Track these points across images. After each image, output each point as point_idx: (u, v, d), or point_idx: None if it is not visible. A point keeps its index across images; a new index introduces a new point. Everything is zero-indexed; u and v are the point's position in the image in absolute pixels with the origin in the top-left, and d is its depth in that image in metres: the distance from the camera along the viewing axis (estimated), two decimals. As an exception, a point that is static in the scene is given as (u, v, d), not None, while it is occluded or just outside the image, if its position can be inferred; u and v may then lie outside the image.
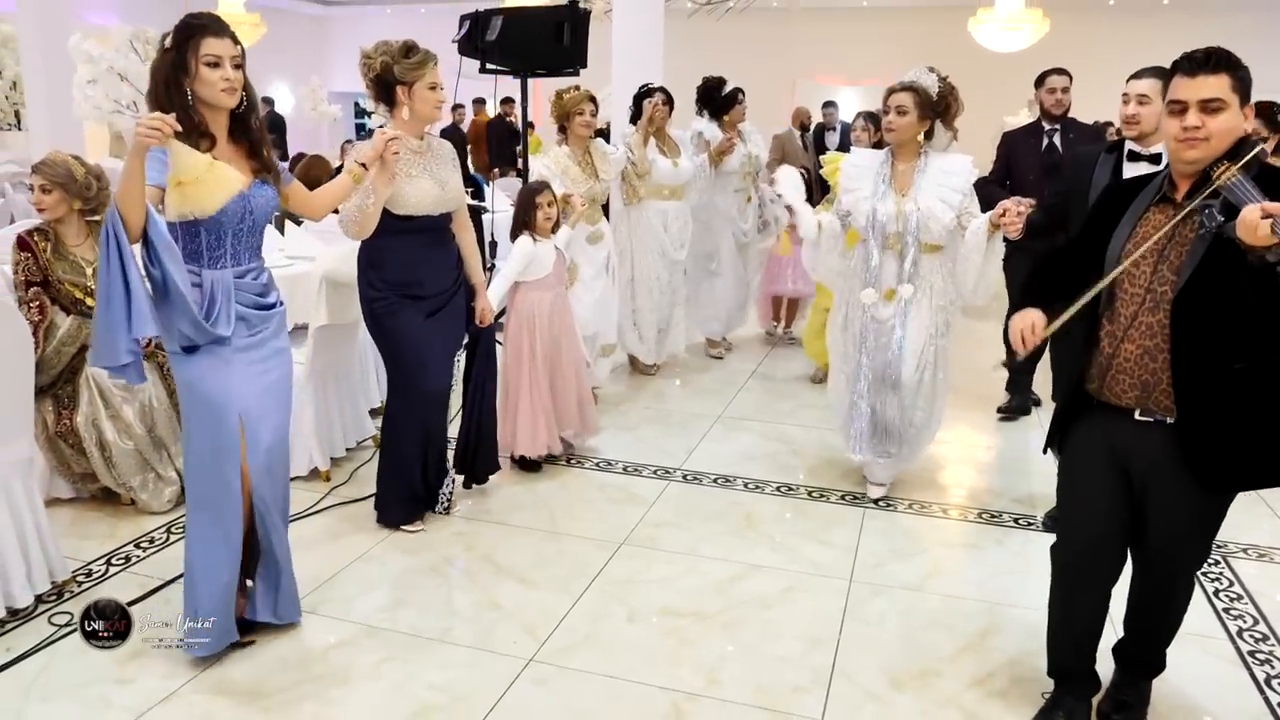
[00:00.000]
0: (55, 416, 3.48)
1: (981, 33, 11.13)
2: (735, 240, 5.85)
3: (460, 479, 3.74)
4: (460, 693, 2.50)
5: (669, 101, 5.16)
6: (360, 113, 10.96)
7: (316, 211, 2.84)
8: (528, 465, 4.02)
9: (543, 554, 3.30)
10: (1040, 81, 4.68)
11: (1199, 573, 2.85)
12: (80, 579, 3.06)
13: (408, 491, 3.44)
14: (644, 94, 5.12)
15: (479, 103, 12.38)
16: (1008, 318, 2.31)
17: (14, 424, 2.86)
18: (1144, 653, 2.40)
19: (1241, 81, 2.01)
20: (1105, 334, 2.16)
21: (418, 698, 2.48)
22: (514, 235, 3.98)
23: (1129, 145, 3.27)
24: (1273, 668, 2.67)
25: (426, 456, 3.45)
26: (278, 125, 11.64)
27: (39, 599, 2.90)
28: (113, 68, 4.56)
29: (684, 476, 4.04)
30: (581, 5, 5.37)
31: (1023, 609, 2.92)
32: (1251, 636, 2.83)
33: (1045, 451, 2.48)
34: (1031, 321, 2.20)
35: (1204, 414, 2.03)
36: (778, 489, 3.92)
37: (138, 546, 3.31)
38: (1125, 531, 2.24)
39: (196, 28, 2.40)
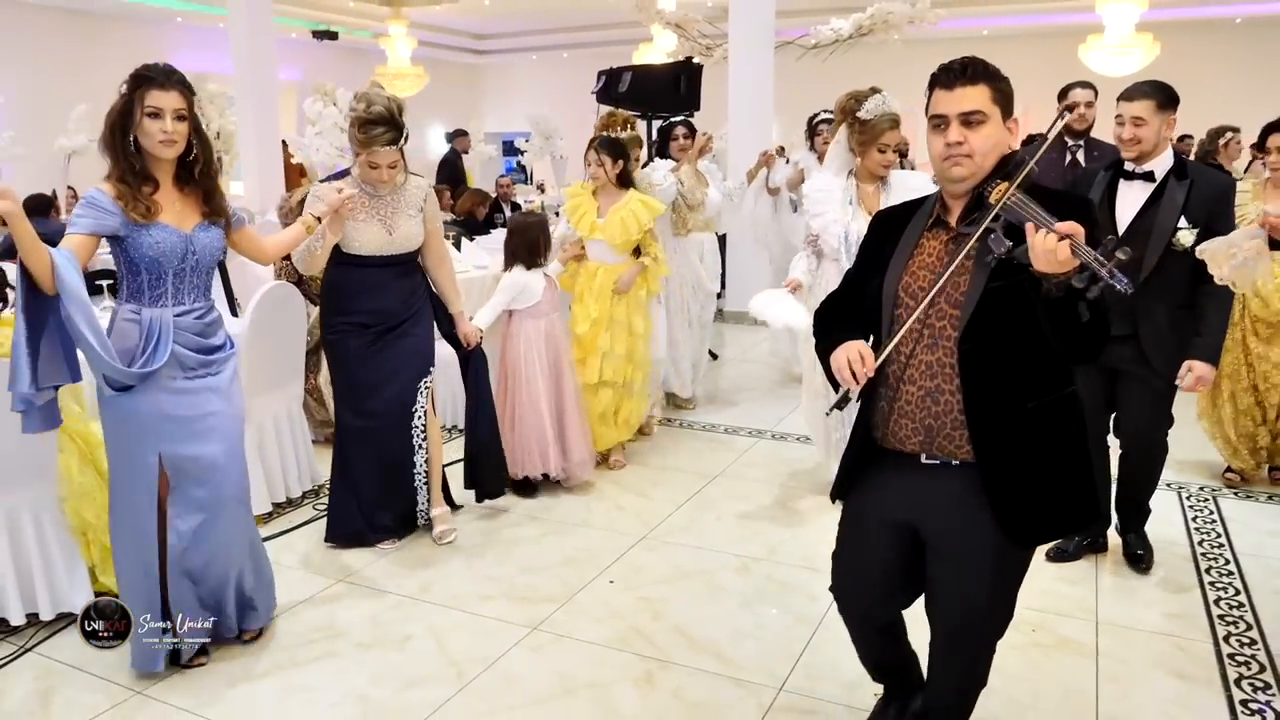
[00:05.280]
0: (304, 378, 4.80)
1: (1092, 58, 11.57)
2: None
3: (447, 511, 3.80)
4: (594, 553, 3.58)
5: (691, 134, 5.25)
6: (512, 150, 12.25)
7: (266, 256, 2.97)
8: (525, 488, 4.15)
9: (655, 480, 4.36)
10: (1063, 96, 4.48)
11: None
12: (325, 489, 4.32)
13: (359, 510, 3.59)
14: (675, 126, 5.26)
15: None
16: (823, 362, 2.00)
17: (296, 370, 4.17)
18: None
19: (1002, 93, 1.85)
20: (883, 374, 1.95)
21: (565, 554, 3.58)
22: (507, 266, 4.17)
23: (1128, 165, 3.13)
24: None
25: (379, 476, 3.58)
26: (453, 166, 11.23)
27: (304, 494, 4.17)
28: (337, 123, 5.95)
29: (772, 436, 5.02)
30: (695, 60, 6.49)
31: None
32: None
33: (834, 501, 2.17)
34: (859, 351, 1.88)
35: (1004, 460, 1.85)
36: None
37: (363, 470, 4.56)
38: (899, 595, 2.10)
39: (144, 79, 2.42)
